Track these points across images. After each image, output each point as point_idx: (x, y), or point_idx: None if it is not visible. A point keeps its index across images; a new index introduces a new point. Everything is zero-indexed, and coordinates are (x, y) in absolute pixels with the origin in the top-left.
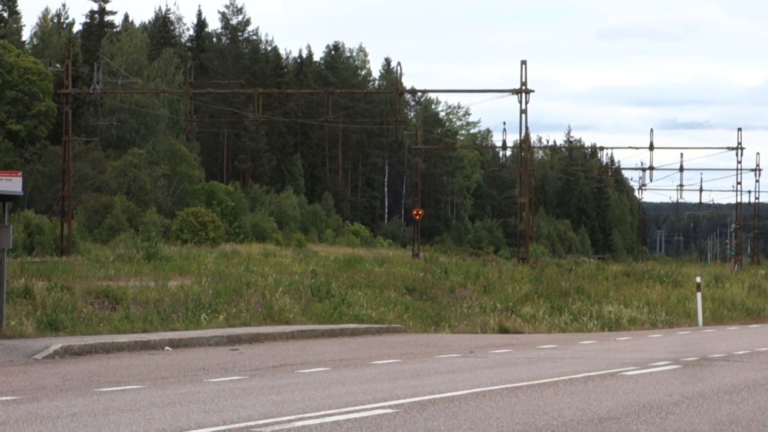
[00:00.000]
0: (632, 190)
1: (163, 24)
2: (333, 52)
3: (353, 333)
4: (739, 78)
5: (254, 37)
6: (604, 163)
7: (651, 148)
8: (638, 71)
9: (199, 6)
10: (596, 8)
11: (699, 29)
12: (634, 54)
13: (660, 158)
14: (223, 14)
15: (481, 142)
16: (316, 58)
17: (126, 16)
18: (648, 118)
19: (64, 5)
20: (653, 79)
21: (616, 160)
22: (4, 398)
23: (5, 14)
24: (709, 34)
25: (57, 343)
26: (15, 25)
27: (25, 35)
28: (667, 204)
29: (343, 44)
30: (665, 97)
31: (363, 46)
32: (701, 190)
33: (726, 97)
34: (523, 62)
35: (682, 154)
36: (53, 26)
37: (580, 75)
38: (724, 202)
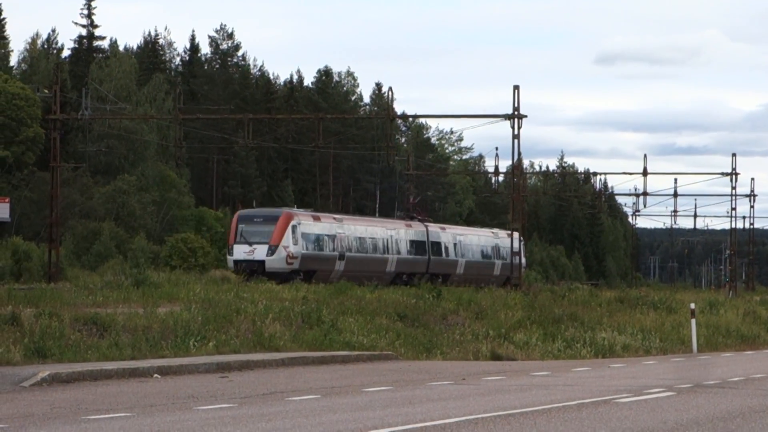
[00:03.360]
0: (626, 215)
1: (152, 49)
2: (324, 78)
3: (344, 360)
4: (738, 103)
5: (244, 63)
6: (597, 189)
7: (644, 173)
8: (636, 96)
9: (193, 30)
10: (596, 32)
11: (699, 54)
12: (632, 79)
13: (655, 184)
14: (213, 39)
15: (473, 168)
16: (307, 83)
17: (115, 42)
18: (645, 143)
19: (53, 30)
20: (651, 104)
21: (609, 185)
22: None
23: None
24: (709, 59)
25: (44, 371)
26: (2, 51)
27: (13, 60)
28: (661, 230)
29: (332, 70)
30: (663, 123)
31: (351, 70)
32: (695, 215)
33: (724, 123)
34: (516, 87)
35: (676, 180)
36: (41, 51)
37: (577, 100)
38: (718, 227)
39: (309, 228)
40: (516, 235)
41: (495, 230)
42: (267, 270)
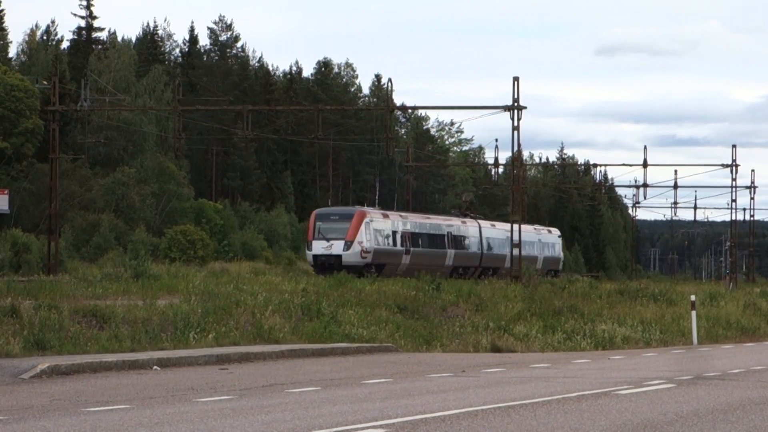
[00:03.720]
0: (626, 207)
1: (151, 41)
2: (323, 69)
3: (344, 352)
4: (739, 94)
5: (243, 54)
6: (597, 181)
7: (644, 165)
8: (637, 87)
9: (192, 22)
10: (596, 23)
11: (699, 45)
12: (632, 70)
13: (655, 175)
14: (212, 30)
15: (473, 159)
16: (306, 74)
17: (114, 33)
18: (645, 134)
19: (52, 21)
20: (652, 95)
21: (609, 177)
22: None
23: None
24: (709, 50)
25: (44, 363)
26: (1, 42)
27: (12, 52)
28: (661, 222)
29: (331, 61)
30: (664, 114)
31: (350, 61)
32: (695, 207)
33: (725, 114)
34: (515, 78)
35: (676, 171)
36: (40, 43)
37: (577, 91)
38: (718, 219)
39: (379, 225)
40: (557, 231)
41: (537, 226)
42: (343, 264)
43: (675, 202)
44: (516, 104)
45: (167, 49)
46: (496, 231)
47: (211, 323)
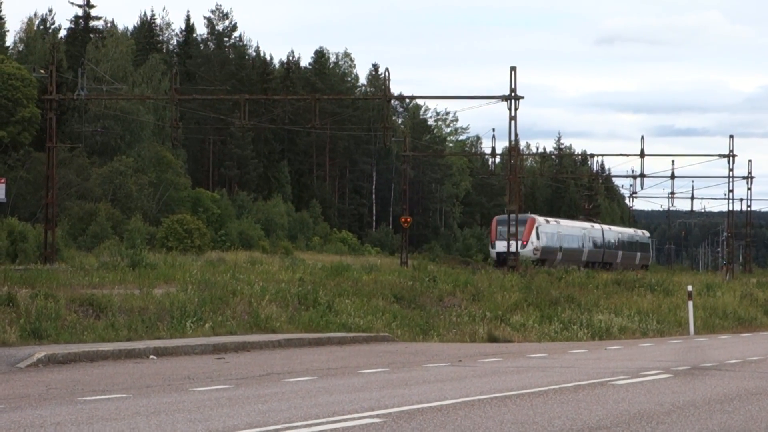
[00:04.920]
0: (623, 197)
1: (148, 30)
2: (321, 59)
3: (340, 342)
4: (738, 85)
5: (240, 43)
6: (594, 171)
7: (642, 155)
8: (636, 77)
9: (188, 11)
10: (596, 13)
11: (699, 35)
12: (631, 60)
13: (653, 166)
14: (209, 20)
15: (470, 149)
16: (303, 63)
17: (112, 22)
18: (644, 125)
19: (49, 10)
20: (651, 85)
21: (607, 167)
22: None
23: None
24: (708, 41)
25: (40, 352)
26: None
27: (9, 40)
28: (658, 212)
29: (328, 51)
30: (662, 104)
31: (348, 51)
32: (692, 198)
33: (724, 104)
34: (513, 68)
35: (673, 162)
36: (38, 31)
37: (576, 81)
38: (716, 210)
39: (544, 228)
40: (647, 233)
41: (635, 229)
42: (520, 259)
43: (672, 193)
44: (513, 94)
45: (165, 38)
46: (611, 233)
47: (208, 312)
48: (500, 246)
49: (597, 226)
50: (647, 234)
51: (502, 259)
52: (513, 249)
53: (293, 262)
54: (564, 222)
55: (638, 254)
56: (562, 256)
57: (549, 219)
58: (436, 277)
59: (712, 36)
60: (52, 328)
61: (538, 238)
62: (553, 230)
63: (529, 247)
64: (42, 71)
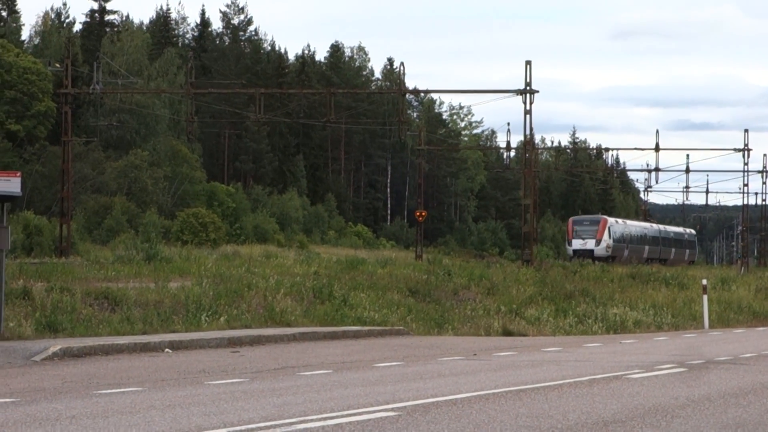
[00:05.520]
0: (638, 191)
1: (164, 23)
2: (336, 53)
3: (355, 335)
4: (754, 79)
5: (255, 37)
6: (609, 165)
7: (656, 149)
8: (651, 71)
9: (203, 5)
10: (612, 7)
11: (715, 29)
12: (647, 54)
13: (668, 160)
14: (224, 14)
15: (485, 143)
16: (318, 58)
17: (127, 16)
18: (659, 119)
19: (64, 4)
20: (666, 79)
21: (621, 161)
22: (2, 400)
23: (4, 13)
24: (725, 34)
25: (56, 345)
26: (14, 24)
27: (25, 34)
28: (673, 206)
29: (343, 45)
30: (678, 98)
31: (362, 45)
32: (707, 191)
33: (740, 98)
34: (528, 62)
35: (688, 156)
36: (53, 25)
37: (592, 75)
38: (730, 204)
39: (615, 228)
40: (692, 232)
41: (684, 228)
42: (595, 255)
43: (687, 187)
44: (528, 88)
45: (180, 33)
46: (666, 232)
47: (223, 306)
48: (576, 244)
49: (654, 225)
50: (693, 232)
51: (580, 255)
52: (585, 247)
53: (308, 255)
54: (629, 222)
55: (687, 251)
56: (628, 253)
57: (618, 219)
58: (451, 271)
59: (728, 30)
60: (67, 321)
61: (609, 236)
62: (621, 230)
63: (602, 245)
64: (57, 65)
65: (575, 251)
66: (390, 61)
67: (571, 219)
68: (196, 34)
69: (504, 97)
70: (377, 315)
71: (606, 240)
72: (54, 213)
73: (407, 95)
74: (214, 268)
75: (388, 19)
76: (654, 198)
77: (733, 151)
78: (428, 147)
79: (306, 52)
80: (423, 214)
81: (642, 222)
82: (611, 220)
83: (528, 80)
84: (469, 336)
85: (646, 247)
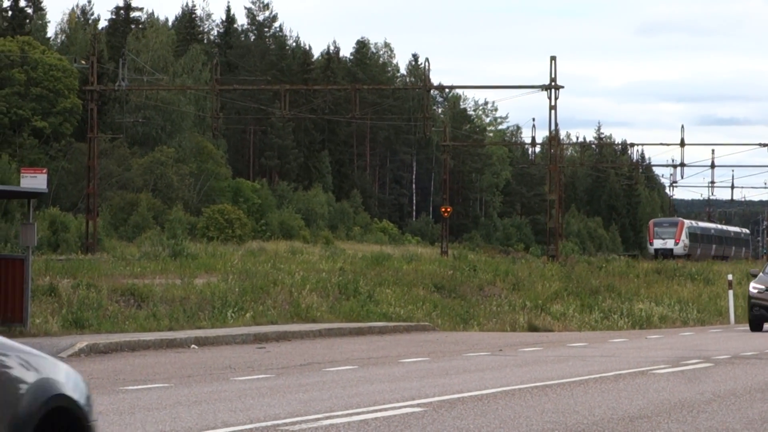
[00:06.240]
0: (663, 186)
1: (189, 20)
2: (361, 49)
3: (381, 331)
4: None
5: (280, 34)
6: (634, 160)
7: (682, 144)
8: (677, 66)
9: (228, 2)
10: (638, 2)
11: (741, 24)
12: (673, 49)
13: (693, 155)
14: (249, 10)
15: (510, 139)
16: (344, 54)
17: (152, 13)
18: (685, 114)
19: (89, 1)
20: (692, 74)
21: (647, 156)
22: None
23: (30, 11)
24: (751, 29)
25: (82, 342)
26: (40, 22)
27: (50, 32)
28: (698, 201)
29: (368, 41)
30: (704, 93)
31: (388, 41)
32: (732, 186)
33: (766, 93)
34: (553, 58)
35: (713, 151)
36: (78, 23)
37: (617, 70)
38: (756, 199)
39: (691, 230)
40: (747, 231)
41: (740, 228)
42: (674, 254)
43: (712, 182)
44: (553, 83)
45: (205, 29)
46: (727, 231)
47: (249, 302)
48: (657, 243)
49: (719, 226)
50: (747, 231)
51: (661, 254)
52: (666, 246)
53: (334, 251)
54: (701, 224)
55: (743, 248)
56: (700, 252)
57: (692, 222)
58: (476, 267)
59: (755, 24)
60: (93, 317)
61: (686, 237)
62: (695, 231)
63: (681, 244)
64: (83, 62)
65: (656, 250)
66: (415, 57)
67: (651, 221)
68: (221, 30)
69: (529, 93)
70: (403, 311)
71: (684, 240)
72: (80, 209)
73: (432, 91)
74: (240, 265)
75: (414, 15)
76: (679, 193)
77: (758, 146)
78: (453, 143)
79: (331, 48)
80: (448, 209)
81: (708, 223)
82: (687, 222)
83: (553, 76)
84: (494, 332)
85: (714, 246)
